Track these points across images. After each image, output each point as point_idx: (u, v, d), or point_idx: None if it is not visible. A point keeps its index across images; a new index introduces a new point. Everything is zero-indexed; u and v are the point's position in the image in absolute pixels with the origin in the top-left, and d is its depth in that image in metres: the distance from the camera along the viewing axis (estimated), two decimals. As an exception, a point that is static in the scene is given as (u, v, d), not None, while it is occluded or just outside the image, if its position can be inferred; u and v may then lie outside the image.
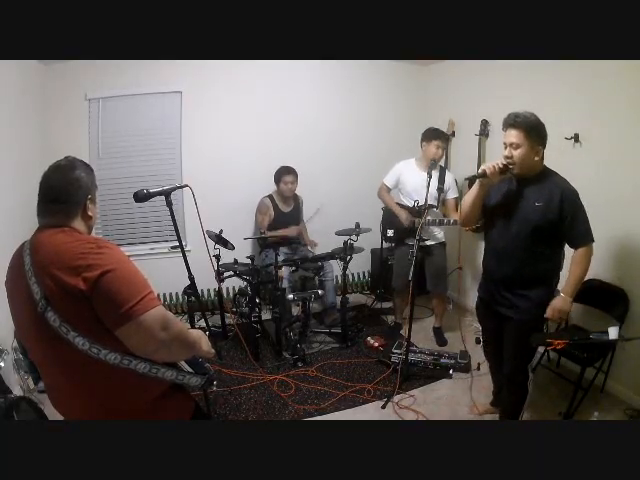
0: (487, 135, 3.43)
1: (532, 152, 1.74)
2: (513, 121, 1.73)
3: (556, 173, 1.84)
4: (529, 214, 1.79)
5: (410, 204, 3.05)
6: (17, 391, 2.19)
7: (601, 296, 2.44)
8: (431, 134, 3.04)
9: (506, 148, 1.77)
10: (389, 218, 3.22)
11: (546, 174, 1.82)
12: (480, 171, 1.83)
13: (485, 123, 3.40)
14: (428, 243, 3.07)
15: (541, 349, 2.15)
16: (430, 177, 2.64)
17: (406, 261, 2.93)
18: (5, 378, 2.06)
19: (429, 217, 2.87)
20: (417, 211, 2.93)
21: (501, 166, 1.77)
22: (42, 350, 1.07)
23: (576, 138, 2.57)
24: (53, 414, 1.25)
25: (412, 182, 3.04)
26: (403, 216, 3.05)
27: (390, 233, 3.17)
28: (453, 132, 3.83)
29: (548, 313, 1.82)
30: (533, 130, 1.72)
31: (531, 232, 1.79)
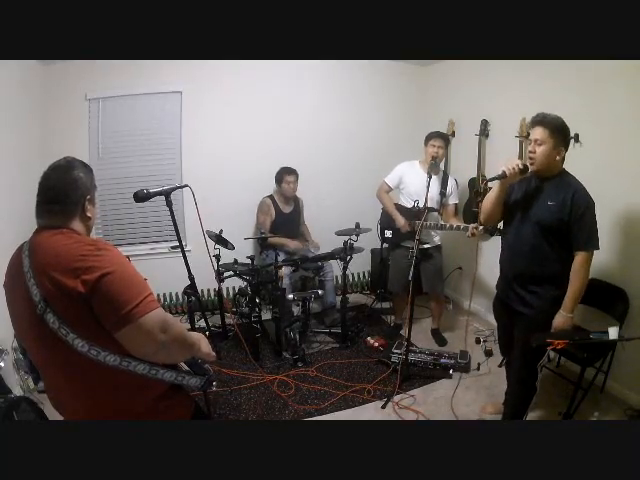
0: (487, 135, 3.44)
1: (554, 151, 1.79)
2: (540, 119, 1.80)
3: (574, 177, 1.87)
4: (541, 213, 1.84)
5: (411, 205, 3.03)
6: (17, 391, 2.19)
7: (601, 296, 2.44)
8: (428, 135, 3.05)
9: (530, 144, 1.83)
10: (387, 219, 3.19)
11: (564, 176, 1.86)
12: (500, 172, 1.88)
13: (485, 123, 3.41)
14: (425, 246, 3.05)
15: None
16: (430, 177, 2.66)
17: (402, 264, 3.02)
18: (5, 378, 2.06)
19: (429, 221, 2.86)
20: (416, 213, 2.90)
21: (521, 167, 1.83)
22: (41, 351, 1.07)
23: (576, 138, 2.58)
24: (53, 414, 1.25)
25: (415, 183, 3.02)
26: (401, 222, 3.02)
27: (388, 234, 3.16)
28: (453, 132, 3.83)
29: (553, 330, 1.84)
30: (558, 131, 1.78)
31: (542, 230, 1.84)
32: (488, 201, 2.01)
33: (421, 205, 2.78)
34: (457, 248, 3.82)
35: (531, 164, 1.84)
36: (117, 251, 1.04)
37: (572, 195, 1.78)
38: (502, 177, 1.88)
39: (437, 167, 2.98)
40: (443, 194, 3.03)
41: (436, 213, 3.08)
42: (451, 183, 3.09)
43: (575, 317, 2.59)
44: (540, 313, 1.89)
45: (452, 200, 3.10)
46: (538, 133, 1.80)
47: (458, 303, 3.99)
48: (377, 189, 3.21)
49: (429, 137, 3.02)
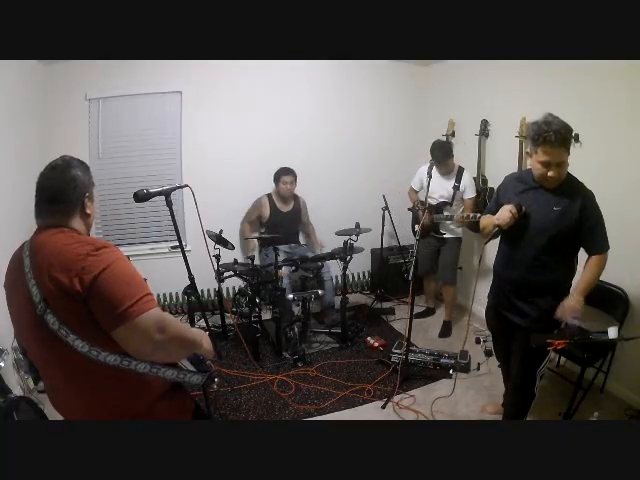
0: (487, 135, 3.44)
1: (568, 162, 1.70)
2: (562, 138, 1.60)
3: (574, 176, 1.78)
4: (545, 219, 1.75)
5: (433, 203, 3.24)
6: (17, 391, 2.18)
7: (601, 296, 2.43)
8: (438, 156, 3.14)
9: (548, 165, 1.67)
10: (415, 216, 3.50)
11: (566, 177, 1.75)
12: (496, 229, 1.83)
13: (485, 123, 3.41)
14: (445, 236, 3.31)
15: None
16: (430, 177, 2.70)
17: (427, 249, 3.38)
18: (5, 378, 2.05)
19: (447, 213, 3.22)
20: (435, 208, 3.24)
21: (515, 214, 1.76)
22: (42, 352, 1.07)
23: (576, 138, 2.57)
24: (53, 414, 1.25)
25: (434, 183, 3.10)
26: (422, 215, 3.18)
27: (417, 228, 3.28)
28: (453, 132, 3.83)
29: (558, 312, 1.76)
30: (570, 142, 1.66)
31: (545, 238, 1.75)
32: (484, 233, 1.98)
33: (421, 206, 2.88)
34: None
35: (547, 183, 1.74)
36: (117, 250, 1.05)
37: (581, 201, 1.70)
38: (499, 232, 1.85)
39: (434, 164, 3.06)
40: (457, 187, 3.18)
41: (451, 206, 3.25)
42: (466, 178, 3.21)
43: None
44: (537, 323, 1.83)
45: (468, 194, 3.21)
46: (560, 155, 1.64)
47: (458, 303, 3.98)
48: (407, 191, 3.57)
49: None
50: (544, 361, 1.90)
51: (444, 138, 3.75)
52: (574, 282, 1.89)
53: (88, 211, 1.14)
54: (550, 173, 1.68)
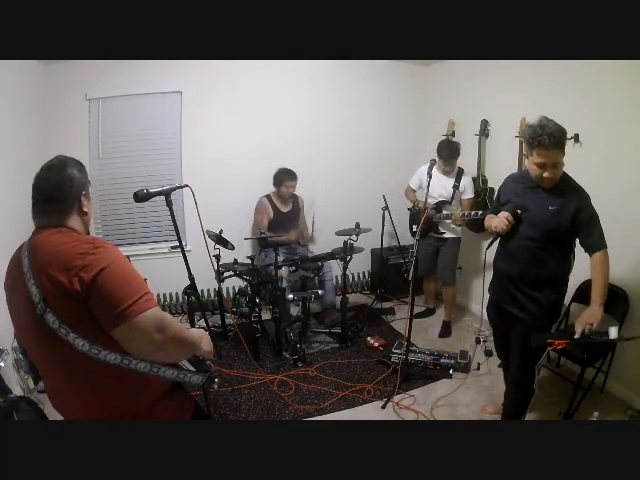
0: (487, 135, 3.44)
1: (562, 162, 1.74)
2: (555, 141, 1.65)
3: (570, 177, 1.83)
4: (541, 217, 1.80)
5: (432, 202, 3.24)
6: (17, 391, 2.18)
7: (601, 296, 2.44)
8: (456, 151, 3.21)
9: (543, 167, 1.72)
10: (413, 216, 3.51)
11: (562, 178, 1.80)
12: (495, 235, 1.98)
13: (485, 123, 3.41)
14: (445, 236, 3.32)
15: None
16: (430, 177, 2.70)
17: (426, 251, 3.40)
18: (5, 378, 2.05)
19: (446, 212, 3.21)
20: (435, 207, 3.25)
21: (513, 222, 1.84)
22: (42, 351, 1.07)
23: (576, 138, 2.58)
24: (53, 414, 1.25)
25: (434, 183, 3.11)
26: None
27: (415, 228, 3.37)
28: (453, 132, 3.83)
29: (579, 326, 1.69)
30: (564, 143, 1.70)
31: (541, 235, 1.81)
32: (488, 230, 2.06)
33: (421, 205, 2.87)
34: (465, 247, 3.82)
35: (543, 183, 1.78)
36: (115, 249, 1.04)
37: (576, 203, 1.74)
38: (499, 236, 1.94)
39: (435, 164, 3.06)
40: (457, 187, 3.22)
41: (450, 204, 3.27)
42: (465, 179, 3.24)
43: (575, 317, 2.59)
44: (537, 320, 1.87)
45: (467, 195, 3.25)
46: (555, 157, 1.69)
47: (459, 303, 3.99)
48: (405, 191, 3.52)
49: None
50: (542, 356, 1.92)
51: (444, 138, 3.75)
52: (573, 277, 1.94)
53: (85, 209, 1.14)
54: (545, 174, 1.73)
